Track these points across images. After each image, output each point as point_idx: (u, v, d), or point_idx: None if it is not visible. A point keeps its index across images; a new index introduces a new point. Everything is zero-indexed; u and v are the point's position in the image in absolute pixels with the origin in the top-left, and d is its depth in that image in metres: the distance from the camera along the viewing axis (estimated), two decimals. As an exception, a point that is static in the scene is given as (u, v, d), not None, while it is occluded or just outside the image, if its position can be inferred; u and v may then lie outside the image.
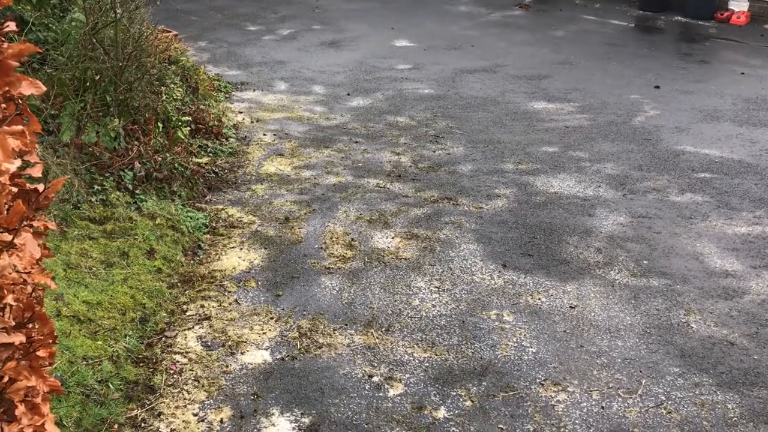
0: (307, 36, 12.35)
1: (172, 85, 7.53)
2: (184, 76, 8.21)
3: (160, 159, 5.55)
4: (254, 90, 9.39)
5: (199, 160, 6.44)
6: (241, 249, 5.00)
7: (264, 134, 7.57)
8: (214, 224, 5.33)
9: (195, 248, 4.94)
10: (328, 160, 6.86)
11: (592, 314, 4.37)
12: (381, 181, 6.33)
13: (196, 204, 5.63)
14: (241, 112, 8.40)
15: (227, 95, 9.13)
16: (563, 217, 5.66)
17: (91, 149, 5.19)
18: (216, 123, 7.29)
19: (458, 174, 6.57)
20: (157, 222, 4.96)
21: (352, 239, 5.17)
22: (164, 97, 6.71)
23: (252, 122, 8.00)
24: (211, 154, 6.67)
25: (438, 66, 10.45)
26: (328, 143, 7.32)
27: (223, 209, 5.63)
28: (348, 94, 9.31)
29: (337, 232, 5.27)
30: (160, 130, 6.20)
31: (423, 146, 7.31)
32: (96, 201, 4.88)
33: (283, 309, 4.31)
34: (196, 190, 5.82)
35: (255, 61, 10.78)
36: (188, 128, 6.88)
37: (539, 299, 4.51)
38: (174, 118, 6.65)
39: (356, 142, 7.41)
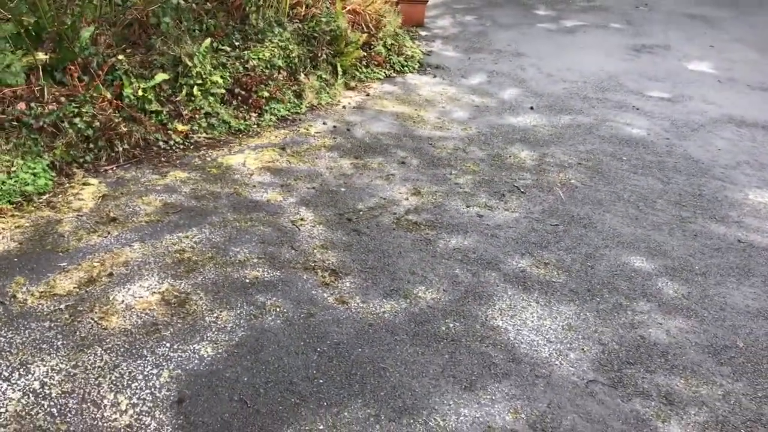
0: (591, 32, 9.76)
1: (268, 44, 6.49)
2: (331, 39, 7.07)
3: (54, 108, 4.67)
4: (435, 77, 7.71)
5: (180, 127, 5.37)
6: None
7: (324, 123, 6.04)
8: (38, 200, 4.30)
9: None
10: (325, 175, 5.10)
11: None
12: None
13: (71, 169, 4.63)
14: (368, 95, 6.92)
15: (393, 74, 7.66)
16: None
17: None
18: (265, 95, 6.04)
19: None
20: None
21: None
22: (200, 47, 5.72)
23: (345, 107, 6.49)
24: (202, 126, 5.52)
25: (710, 107, 7.13)
26: (370, 156, 5.47)
27: (83, 185, 4.54)
28: (531, 108, 6.98)
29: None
30: (152, 82, 5.29)
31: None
32: None
33: None
34: (100, 152, 4.81)
35: (491, 48, 8.92)
36: (221, 91, 5.82)
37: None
38: (196, 73, 5.65)
39: (402, 162, 5.39)
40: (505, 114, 6.76)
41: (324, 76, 6.88)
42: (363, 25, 7.85)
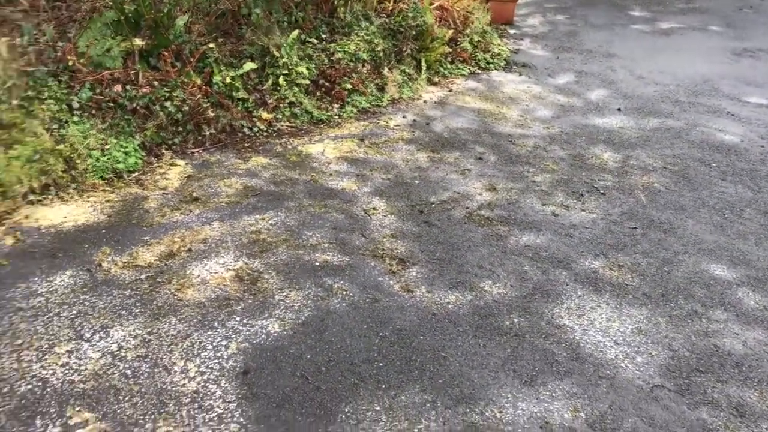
0: (688, 35, 9.41)
1: (354, 37, 6.62)
2: (417, 34, 7.15)
3: (147, 91, 4.93)
4: (520, 75, 7.65)
5: (264, 115, 5.55)
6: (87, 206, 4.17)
7: (404, 116, 6.11)
8: (137, 171, 4.56)
9: (61, 184, 4.30)
10: (401, 167, 5.16)
11: None
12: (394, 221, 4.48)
13: (160, 150, 4.88)
14: (450, 90, 6.95)
15: (478, 71, 7.64)
16: None
17: (73, 59, 4.86)
18: (348, 87, 6.16)
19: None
20: (39, 140, 4.37)
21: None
22: (288, 39, 5.90)
23: (426, 102, 6.54)
24: (286, 115, 5.69)
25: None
26: (447, 150, 5.49)
27: (171, 165, 4.77)
28: (618, 110, 6.84)
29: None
30: (240, 70, 5.51)
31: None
32: (14, 105, 4.60)
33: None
34: (187, 135, 5.04)
35: (581, 48, 8.77)
36: (306, 82, 5.99)
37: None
38: (283, 63, 5.83)
39: (480, 158, 5.39)
40: (591, 114, 6.63)
41: (407, 70, 6.94)
42: (450, 21, 7.86)
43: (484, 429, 2.77)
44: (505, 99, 6.82)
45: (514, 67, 7.95)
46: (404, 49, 6.99)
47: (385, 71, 6.68)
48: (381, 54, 6.75)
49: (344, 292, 3.54)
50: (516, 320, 3.43)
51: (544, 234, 4.29)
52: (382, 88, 6.53)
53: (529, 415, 2.85)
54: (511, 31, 9.34)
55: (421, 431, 2.74)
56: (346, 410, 2.81)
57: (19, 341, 3.05)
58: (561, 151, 5.66)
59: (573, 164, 5.41)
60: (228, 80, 5.36)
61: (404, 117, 6.10)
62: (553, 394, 2.97)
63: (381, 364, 3.07)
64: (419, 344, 3.21)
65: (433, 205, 4.54)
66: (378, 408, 2.83)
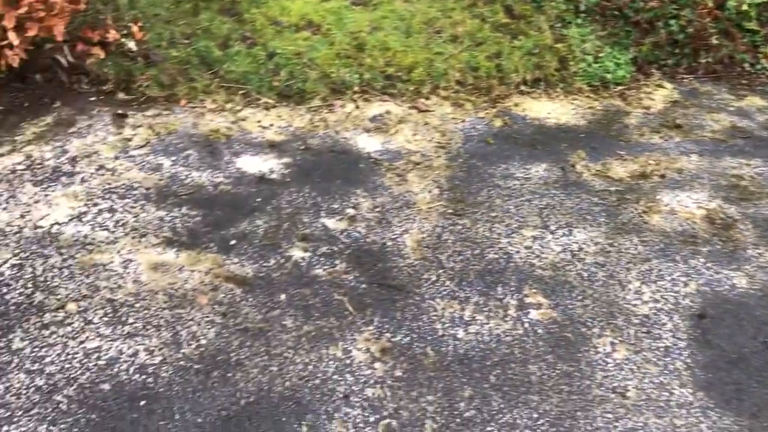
0: None
1: None
2: None
3: (655, 5, 4.72)
4: None
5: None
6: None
7: None
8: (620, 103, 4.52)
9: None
10: None
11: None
12: None
13: (650, 69, 4.70)
14: None
15: None
16: None
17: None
18: None
19: None
20: (540, 36, 4.54)
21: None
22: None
23: None
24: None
25: None
26: None
27: (657, 86, 4.58)
28: None
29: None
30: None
31: None
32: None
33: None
34: (681, 60, 4.75)
35: None
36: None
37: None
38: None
39: None
40: None
41: None
42: None
43: None
44: None
45: None
46: None
47: None
48: None
49: (834, 272, 3.06)
50: None
51: None
52: None
53: None
54: None
55: None
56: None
57: (493, 214, 3.34)
58: None
59: None
60: (744, 7, 4.84)
61: None
62: None
63: None
64: None
65: None
66: None
